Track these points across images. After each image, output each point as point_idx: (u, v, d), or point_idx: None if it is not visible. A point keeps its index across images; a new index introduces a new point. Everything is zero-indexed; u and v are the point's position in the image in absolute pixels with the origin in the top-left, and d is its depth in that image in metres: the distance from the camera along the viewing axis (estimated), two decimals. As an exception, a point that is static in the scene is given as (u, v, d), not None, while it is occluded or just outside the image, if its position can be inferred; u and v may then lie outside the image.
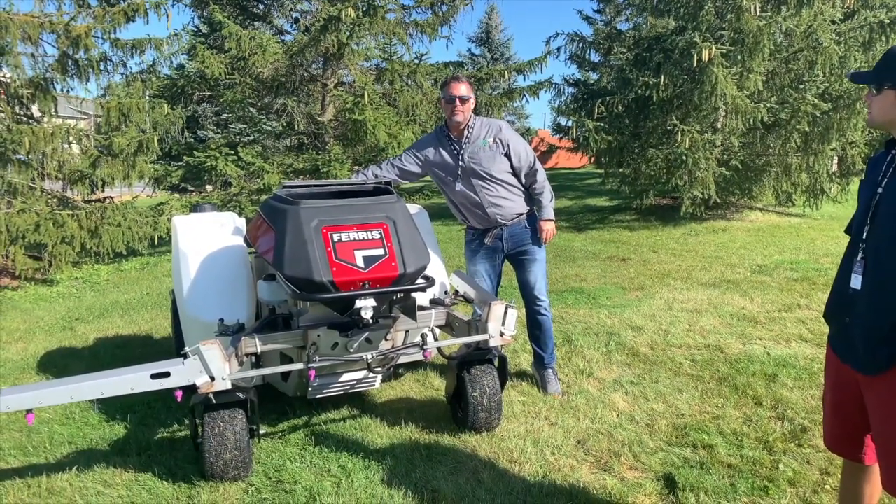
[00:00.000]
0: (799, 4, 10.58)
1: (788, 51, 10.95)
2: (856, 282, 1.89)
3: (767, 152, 11.31)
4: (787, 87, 10.99)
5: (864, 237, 1.89)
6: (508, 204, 3.87)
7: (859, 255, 1.89)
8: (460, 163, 3.82)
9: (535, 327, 4.06)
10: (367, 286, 2.88)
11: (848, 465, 2.16)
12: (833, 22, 10.62)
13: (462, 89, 3.74)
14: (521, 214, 3.92)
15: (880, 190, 1.87)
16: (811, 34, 10.38)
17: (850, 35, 10.63)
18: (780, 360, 4.35)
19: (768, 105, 10.52)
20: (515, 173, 3.87)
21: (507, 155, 3.82)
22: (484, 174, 3.80)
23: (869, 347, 1.85)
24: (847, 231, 2.07)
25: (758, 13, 10.31)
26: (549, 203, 3.94)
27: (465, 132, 3.82)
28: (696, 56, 10.01)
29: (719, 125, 11.45)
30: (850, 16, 11.37)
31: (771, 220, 11.59)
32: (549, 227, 3.96)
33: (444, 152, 3.88)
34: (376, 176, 3.86)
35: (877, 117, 1.91)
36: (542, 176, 3.93)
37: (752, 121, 10.39)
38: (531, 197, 3.97)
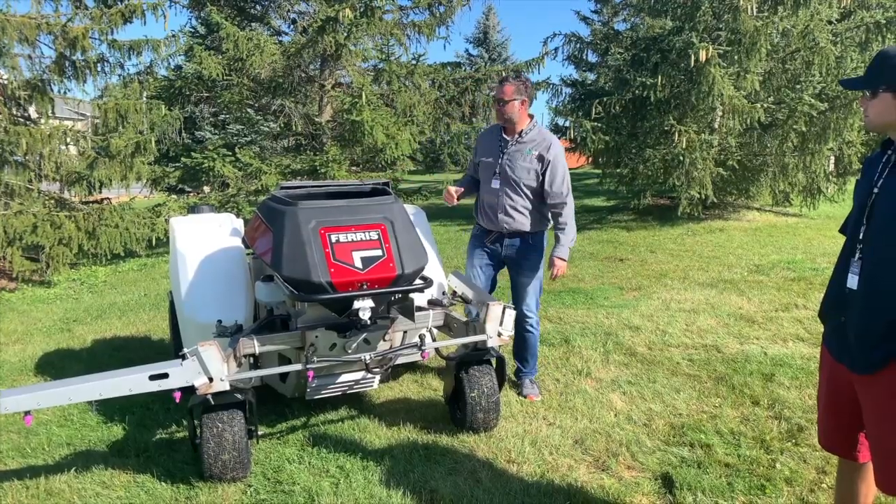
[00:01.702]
0: (795, 5, 10.61)
1: (785, 51, 10.98)
2: (852, 281, 1.89)
3: (764, 152, 11.33)
4: (784, 87, 11.01)
5: (860, 237, 1.89)
6: (521, 219, 3.81)
7: (856, 255, 1.89)
8: (499, 160, 3.82)
9: (520, 341, 4.01)
10: (365, 287, 2.89)
11: (843, 463, 2.18)
12: (830, 22, 10.65)
13: (503, 92, 3.75)
14: (528, 233, 3.85)
15: (876, 189, 1.87)
16: (808, 34, 10.41)
17: (846, 35, 10.66)
18: (778, 360, 4.36)
19: (765, 105, 10.55)
20: (543, 195, 3.79)
21: (543, 174, 3.75)
22: (513, 180, 3.77)
23: (863, 347, 1.86)
24: (842, 230, 2.08)
25: (754, 13, 10.34)
26: (568, 242, 3.82)
27: (517, 136, 3.81)
28: (693, 56, 10.04)
29: (716, 125, 11.48)
30: (847, 16, 11.41)
31: (768, 220, 11.62)
32: (560, 265, 3.83)
33: (493, 146, 3.91)
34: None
35: (875, 120, 1.91)
36: (568, 211, 3.81)
37: (749, 121, 10.42)
38: (546, 222, 3.92)
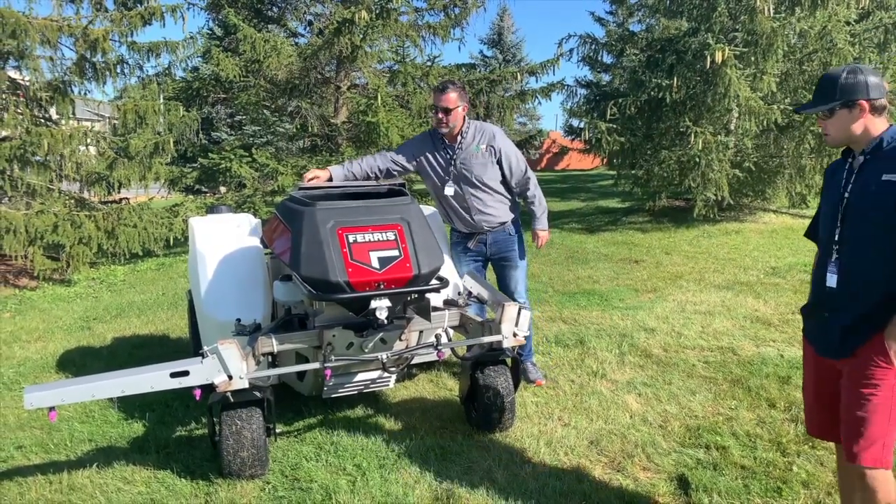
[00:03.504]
0: (813, 5, 10.52)
1: (802, 52, 10.89)
2: (831, 280, 2.10)
3: (781, 154, 11.24)
4: (801, 88, 10.92)
5: (836, 238, 2.09)
6: (495, 212, 3.92)
7: (833, 256, 2.09)
8: (452, 168, 3.85)
9: None
10: (382, 287, 2.92)
11: (841, 450, 2.26)
12: (847, 23, 10.55)
13: (447, 100, 3.70)
14: (506, 222, 3.97)
15: (847, 194, 2.06)
16: (825, 35, 10.33)
17: (864, 36, 10.56)
18: (794, 363, 4.34)
19: (782, 106, 10.47)
20: (506, 181, 3.92)
21: (499, 162, 3.85)
22: (475, 181, 3.83)
23: (842, 338, 2.07)
24: (807, 235, 2.34)
25: (771, 14, 10.27)
26: (542, 214, 4.05)
27: (459, 138, 3.84)
28: (709, 57, 9.98)
29: (732, 127, 11.41)
30: (865, 17, 11.30)
31: (784, 222, 11.53)
32: (543, 235, 4.10)
33: (437, 155, 3.90)
34: (375, 169, 3.89)
35: (836, 136, 2.10)
36: (533, 183, 3.99)
37: (765, 122, 10.34)
38: (517, 204, 4.05)
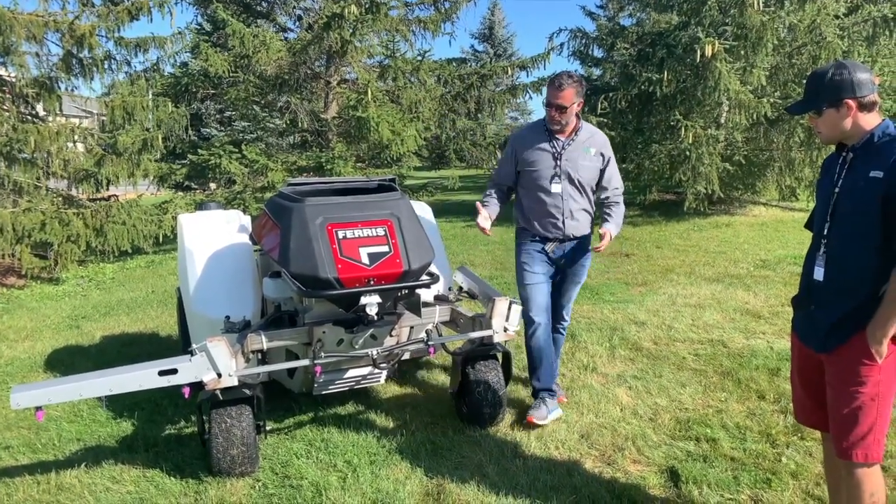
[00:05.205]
0: (802, -1, 10.57)
1: (792, 46, 10.93)
2: (818, 274, 2.11)
3: (771, 147, 11.29)
4: (791, 81, 10.97)
5: (825, 233, 2.10)
6: (584, 220, 3.62)
7: (821, 250, 2.11)
8: (557, 163, 3.50)
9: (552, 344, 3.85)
10: (371, 283, 2.91)
11: (827, 439, 2.29)
12: (837, 16, 10.59)
13: (563, 97, 3.38)
14: (586, 235, 3.68)
15: (837, 189, 2.07)
16: (815, 29, 10.36)
17: (853, 29, 10.61)
18: (783, 354, 4.36)
19: (772, 100, 10.50)
20: (598, 191, 3.68)
21: (603, 171, 3.62)
22: (577, 181, 3.54)
23: (826, 334, 2.09)
24: (807, 226, 2.30)
25: (761, 8, 10.29)
26: (616, 221, 3.70)
27: (573, 135, 3.53)
28: (699, 51, 10.01)
29: (723, 120, 11.45)
30: (854, 10, 11.34)
31: (774, 215, 11.59)
32: (608, 239, 3.59)
33: (543, 148, 3.53)
34: (506, 188, 3.75)
35: (828, 135, 2.11)
36: (622, 200, 3.74)
37: (755, 116, 10.38)
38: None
